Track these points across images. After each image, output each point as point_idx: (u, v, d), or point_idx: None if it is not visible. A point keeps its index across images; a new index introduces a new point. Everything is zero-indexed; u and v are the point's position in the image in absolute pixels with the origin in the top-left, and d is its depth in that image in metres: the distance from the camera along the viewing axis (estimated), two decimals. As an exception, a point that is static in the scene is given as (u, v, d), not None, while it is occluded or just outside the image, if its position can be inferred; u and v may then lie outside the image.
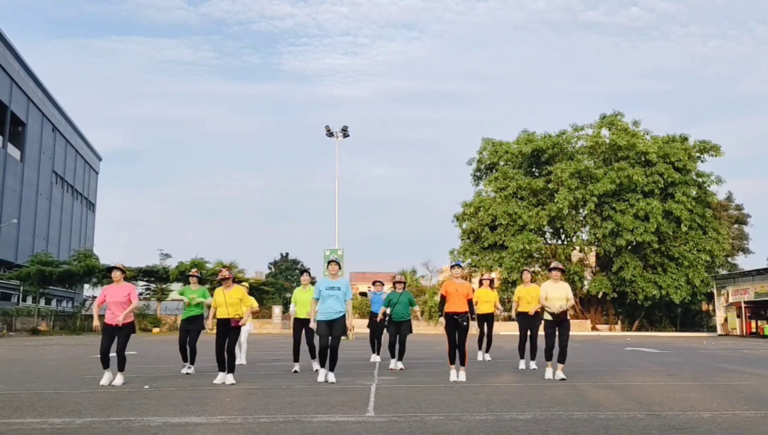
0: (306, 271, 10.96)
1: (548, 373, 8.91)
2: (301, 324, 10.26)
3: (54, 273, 41.90)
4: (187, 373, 9.85)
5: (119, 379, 8.26)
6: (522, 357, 10.84)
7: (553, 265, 9.22)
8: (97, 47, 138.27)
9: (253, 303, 11.56)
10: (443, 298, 8.83)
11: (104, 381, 8.17)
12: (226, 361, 8.48)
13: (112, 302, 8.23)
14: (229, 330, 8.49)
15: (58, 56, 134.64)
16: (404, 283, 11.11)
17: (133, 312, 8.44)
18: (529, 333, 10.68)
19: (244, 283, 12.00)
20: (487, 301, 12.09)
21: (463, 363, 8.69)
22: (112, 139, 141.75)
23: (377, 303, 12.12)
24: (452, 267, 9.00)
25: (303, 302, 10.16)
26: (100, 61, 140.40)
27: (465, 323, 8.64)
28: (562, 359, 8.73)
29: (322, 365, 8.71)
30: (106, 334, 8.28)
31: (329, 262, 8.84)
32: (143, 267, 42.57)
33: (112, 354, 8.28)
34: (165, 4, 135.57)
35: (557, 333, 8.86)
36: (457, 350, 8.67)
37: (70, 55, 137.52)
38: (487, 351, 12.52)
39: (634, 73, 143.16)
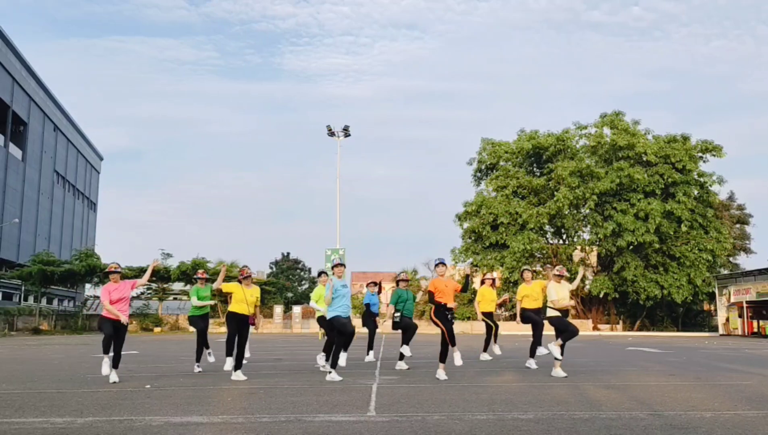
0: (324, 272, 11.22)
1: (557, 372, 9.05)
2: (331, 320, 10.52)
3: (55, 272, 41.95)
4: (207, 364, 10.28)
5: (115, 376, 8.32)
6: (532, 356, 10.63)
7: (557, 270, 9.41)
8: (99, 47, 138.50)
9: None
10: (432, 294, 8.94)
11: (105, 370, 8.25)
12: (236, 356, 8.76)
13: (117, 300, 8.32)
14: (245, 326, 8.76)
15: (59, 56, 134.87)
16: (408, 280, 11.12)
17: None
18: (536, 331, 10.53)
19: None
20: (492, 299, 12.21)
21: (453, 344, 8.77)
22: (114, 139, 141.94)
23: (375, 305, 12.14)
24: (437, 265, 8.99)
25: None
26: (102, 61, 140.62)
27: (451, 318, 8.84)
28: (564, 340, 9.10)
29: (336, 358, 8.85)
30: (109, 324, 8.31)
31: (337, 265, 8.94)
32: (144, 266, 42.55)
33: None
34: (167, 4, 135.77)
35: (565, 322, 9.19)
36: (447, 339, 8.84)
37: (72, 55, 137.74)
38: (485, 350, 12.52)
39: (635, 72, 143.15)
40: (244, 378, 8.69)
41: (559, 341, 9.04)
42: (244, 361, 11.35)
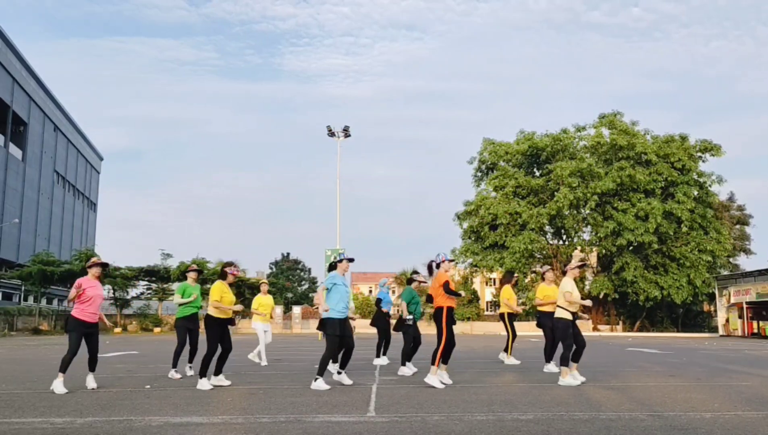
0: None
1: (576, 379, 8.38)
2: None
3: (55, 272, 41.93)
4: (190, 375, 9.45)
5: (94, 382, 7.73)
6: (550, 360, 10.29)
7: (577, 257, 8.91)
8: (100, 47, 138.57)
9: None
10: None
11: (62, 389, 7.35)
12: (217, 363, 8.07)
13: (97, 296, 7.65)
14: (227, 331, 8.13)
15: (60, 56, 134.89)
16: (424, 282, 10.25)
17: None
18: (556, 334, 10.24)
19: (263, 282, 12.12)
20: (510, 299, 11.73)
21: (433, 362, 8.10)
22: (114, 139, 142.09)
23: (389, 303, 11.84)
24: (438, 265, 8.24)
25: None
26: (102, 61, 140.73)
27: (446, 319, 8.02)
28: (577, 358, 8.49)
29: (342, 366, 8.31)
30: (81, 333, 7.57)
31: (349, 260, 8.34)
32: (144, 267, 42.56)
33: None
34: (167, 4, 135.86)
35: (574, 332, 8.47)
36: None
37: (72, 55, 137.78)
38: (510, 352, 11.93)
39: (635, 73, 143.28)
40: (225, 383, 8.02)
41: (575, 366, 8.38)
42: (260, 362, 11.40)
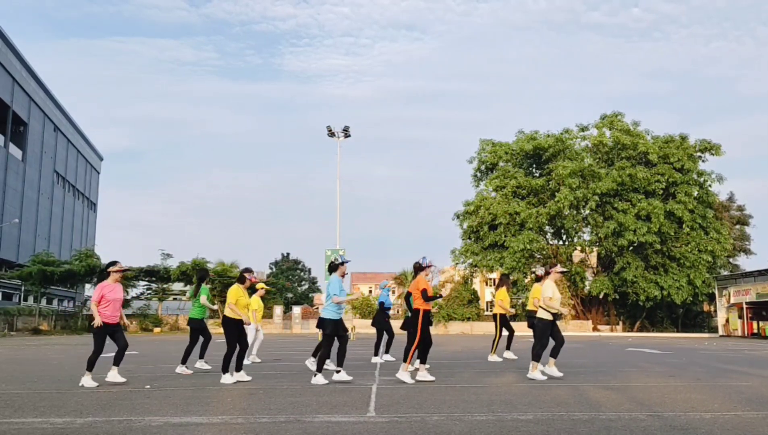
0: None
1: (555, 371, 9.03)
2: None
3: (55, 273, 41.93)
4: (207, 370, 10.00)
5: (118, 376, 8.28)
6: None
7: (561, 268, 9.35)
8: (100, 47, 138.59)
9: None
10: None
11: (92, 383, 7.91)
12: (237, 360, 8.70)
13: (116, 300, 8.09)
14: (244, 330, 8.76)
15: (60, 56, 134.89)
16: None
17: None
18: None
19: (260, 285, 12.32)
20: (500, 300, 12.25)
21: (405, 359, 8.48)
22: (114, 139, 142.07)
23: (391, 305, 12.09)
24: (425, 267, 8.67)
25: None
26: (103, 61, 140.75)
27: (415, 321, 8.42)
28: (555, 354, 9.09)
29: (339, 364, 8.63)
30: (104, 334, 8.04)
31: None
32: (144, 267, 42.55)
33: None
34: (167, 4, 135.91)
35: (554, 330, 9.04)
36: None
37: (72, 55, 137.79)
38: (508, 348, 12.43)
39: (636, 73, 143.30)
40: (248, 378, 8.72)
41: (553, 362, 9.06)
42: (249, 361, 11.80)
